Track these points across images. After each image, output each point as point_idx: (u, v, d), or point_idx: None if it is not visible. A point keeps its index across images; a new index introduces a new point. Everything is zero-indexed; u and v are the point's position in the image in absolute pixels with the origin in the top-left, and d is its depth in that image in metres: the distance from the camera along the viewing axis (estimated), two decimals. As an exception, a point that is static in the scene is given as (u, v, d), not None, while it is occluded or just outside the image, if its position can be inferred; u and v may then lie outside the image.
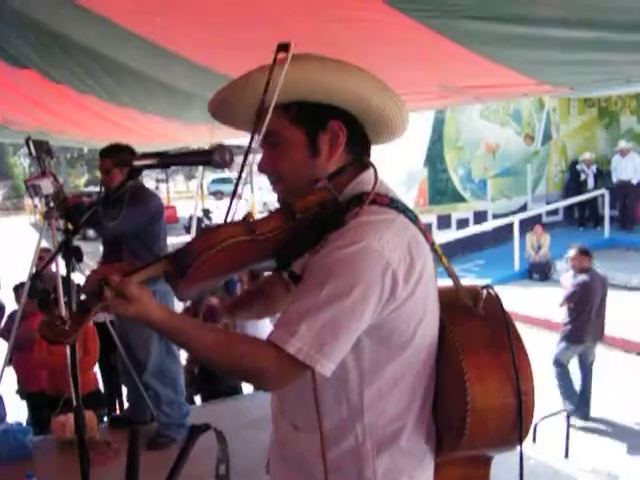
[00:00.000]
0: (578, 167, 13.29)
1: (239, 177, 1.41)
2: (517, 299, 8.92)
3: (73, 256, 1.78)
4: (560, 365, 5.86)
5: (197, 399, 5.35)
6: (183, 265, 1.23)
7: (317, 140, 1.35)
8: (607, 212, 12.29)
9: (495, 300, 1.41)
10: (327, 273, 1.22)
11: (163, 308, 1.23)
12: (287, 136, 1.35)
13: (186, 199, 28.01)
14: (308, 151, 1.35)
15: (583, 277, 5.87)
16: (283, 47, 1.27)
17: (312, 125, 1.35)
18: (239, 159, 1.49)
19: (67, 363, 3.68)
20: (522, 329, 1.37)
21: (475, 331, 1.37)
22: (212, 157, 1.35)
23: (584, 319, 5.78)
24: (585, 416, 5.70)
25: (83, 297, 1.22)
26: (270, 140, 1.37)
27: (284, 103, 1.32)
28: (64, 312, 3.71)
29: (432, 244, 1.36)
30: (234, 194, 1.40)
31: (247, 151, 1.35)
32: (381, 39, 2.22)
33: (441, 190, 12.07)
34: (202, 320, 1.56)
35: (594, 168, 13.16)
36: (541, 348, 7.28)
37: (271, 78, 1.27)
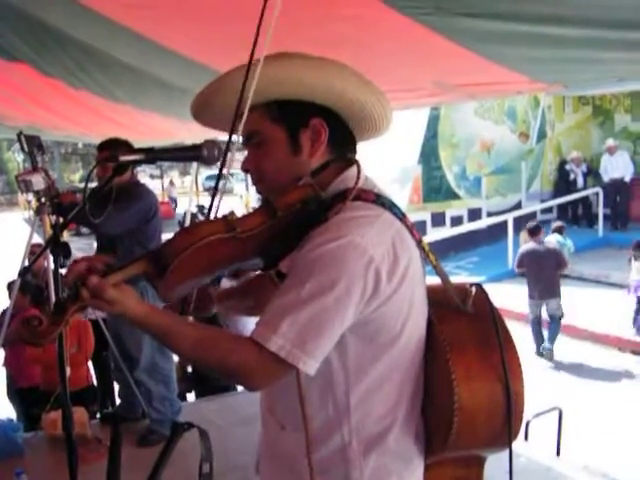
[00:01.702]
0: (567, 166, 13.30)
1: (219, 176, 1.40)
2: (511, 297, 8.93)
3: (60, 252, 1.76)
4: (531, 316, 7.38)
5: (189, 396, 5.33)
6: (162, 265, 1.21)
7: (298, 138, 1.34)
8: (601, 211, 12.30)
9: (484, 298, 1.40)
10: (309, 269, 1.20)
11: (144, 305, 1.22)
12: (268, 135, 1.34)
13: (180, 195, 27.91)
14: (290, 149, 1.35)
15: (525, 247, 7.51)
16: None
17: (293, 123, 1.34)
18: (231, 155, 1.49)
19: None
20: (515, 327, 1.36)
21: (463, 329, 1.35)
22: (200, 153, 1.34)
23: (531, 280, 7.33)
24: (550, 356, 7.18)
25: (61, 296, 1.21)
26: (252, 140, 1.37)
27: (265, 102, 1.32)
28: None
29: (419, 241, 1.34)
30: (215, 191, 1.39)
31: (226, 149, 1.34)
32: (375, 36, 2.21)
33: (435, 187, 12.06)
34: (194, 305, 1.54)
35: (583, 167, 13.17)
36: (533, 346, 7.32)
37: (249, 75, 1.27)
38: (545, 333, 7.39)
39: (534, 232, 7.36)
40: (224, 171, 1.53)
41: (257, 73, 1.28)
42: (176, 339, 1.24)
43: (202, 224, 1.27)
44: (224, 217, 1.27)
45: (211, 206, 1.35)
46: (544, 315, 7.40)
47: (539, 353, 7.29)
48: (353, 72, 1.35)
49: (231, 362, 1.22)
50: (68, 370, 3.29)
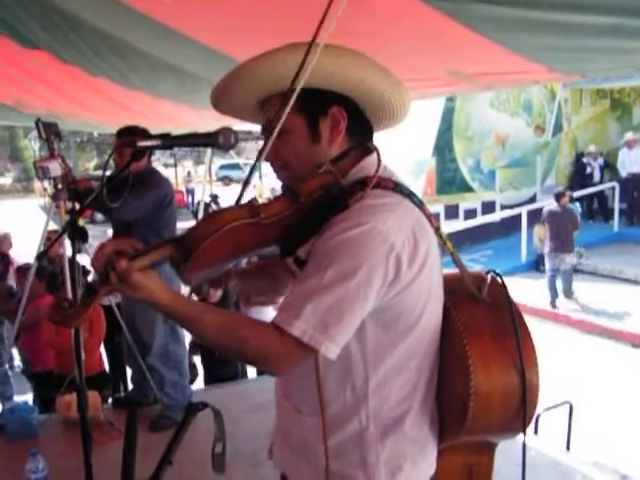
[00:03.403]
0: (584, 160, 13.18)
1: (253, 166, 1.41)
2: (524, 290, 8.90)
3: (78, 237, 1.78)
4: (549, 266, 8.84)
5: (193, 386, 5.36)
6: (187, 249, 1.23)
7: (318, 126, 1.36)
8: (617, 205, 12.20)
9: (500, 286, 1.41)
10: (331, 255, 1.21)
11: (168, 291, 1.23)
12: (288, 124, 1.33)
13: (194, 184, 27.89)
14: (309, 137, 1.36)
15: (548, 208, 9.01)
16: None
17: (313, 112, 1.35)
18: (245, 144, 1.50)
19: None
20: (528, 321, 1.37)
21: (479, 316, 1.37)
22: (217, 139, 1.34)
23: (551, 237, 8.75)
24: (569, 296, 8.82)
25: (91, 279, 1.22)
26: (271, 128, 1.36)
27: (284, 91, 1.32)
28: (70, 293, 3.73)
29: (437, 229, 1.35)
30: (246, 181, 1.41)
31: (261, 152, 1.34)
32: (390, 23, 2.19)
33: (449, 180, 12.00)
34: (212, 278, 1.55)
35: (600, 161, 13.04)
36: (547, 340, 7.30)
37: (306, 58, 1.26)
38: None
39: (558, 197, 8.92)
40: (240, 160, 1.54)
41: (281, 61, 1.29)
42: (199, 325, 1.25)
43: (227, 210, 1.28)
44: (249, 203, 1.28)
45: (240, 196, 1.36)
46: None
47: (553, 305, 8.70)
48: (371, 61, 1.36)
49: (254, 347, 1.24)
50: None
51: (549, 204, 9.13)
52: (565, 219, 8.69)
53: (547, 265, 8.86)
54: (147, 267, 1.22)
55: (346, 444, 1.36)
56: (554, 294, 8.68)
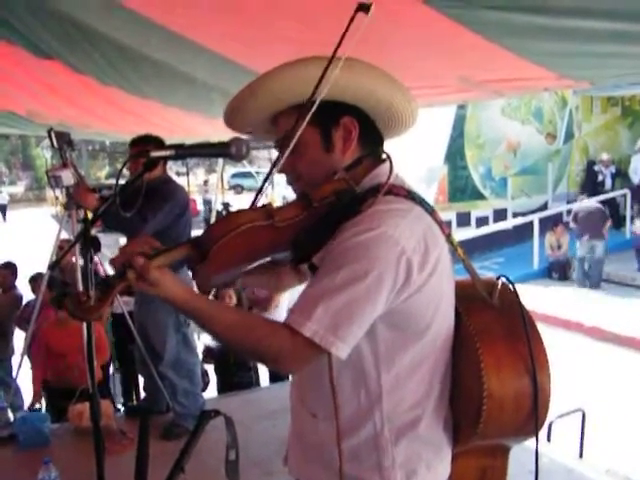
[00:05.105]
0: (595, 167, 13.13)
1: (267, 177, 1.44)
2: (536, 298, 8.86)
3: (91, 246, 1.79)
4: (578, 254, 10.23)
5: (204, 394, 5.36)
6: (203, 249, 1.25)
7: (331, 137, 1.39)
8: (629, 212, 12.14)
9: (511, 291, 1.44)
10: (343, 258, 1.23)
11: (184, 289, 1.26)
12: (303, 136, 1.36)
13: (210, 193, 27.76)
14: (323, 148, 1.39)
15: (577, 207, 10.52)
16: (364, 7, 1.30)
17: (325, 123, 1.38)
18: (257, 153, 1.51)
19: (70, 363, 3.71)
20: (540, 328, 1.38)
21: (491, 321, 1.39)
22: (229, 149, 1.36)
23: (582, 229, 10.03)
24: (597, 286, 9.94)
25: (109, 274, 1.25)
26: (286, 142, 1.39)
27: (297, 104, 1.35)
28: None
29: (448, 235, 1.37)
30: (260, 191, 1.43)
31: (274, 164, 1.36)
32: (400, 29, 2.21)
33: (461, 187, 12.00)
34: None
35: (612, 169, 12.99)
36: (559, 347, 7.25)
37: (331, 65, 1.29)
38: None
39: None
40: (252, 169, 1.56)
41: (292, 75, 1.32)
42: (214, 322, 1.28)
43: (242, 212, 1.30)
44: (263, 206, 1.31)
45: (254, 202, 1.38)
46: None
47: (583, 284, 10.00)
48: (381, 71, 1.38)
49: (266, 346, 1.26)
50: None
51: (580, 204, 10.55)
52: (594, 213, 10.03)
53: (578, 252, 10.10)
54: (165, 266, 1.25)
55: (361, 448, 1.37)
56: (582, 276, 10.02)
